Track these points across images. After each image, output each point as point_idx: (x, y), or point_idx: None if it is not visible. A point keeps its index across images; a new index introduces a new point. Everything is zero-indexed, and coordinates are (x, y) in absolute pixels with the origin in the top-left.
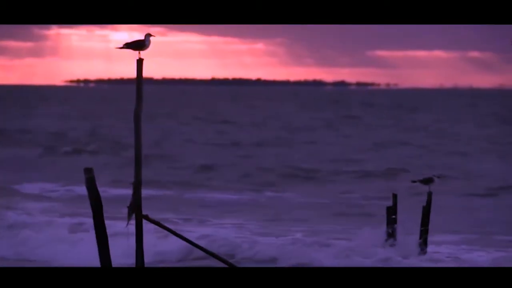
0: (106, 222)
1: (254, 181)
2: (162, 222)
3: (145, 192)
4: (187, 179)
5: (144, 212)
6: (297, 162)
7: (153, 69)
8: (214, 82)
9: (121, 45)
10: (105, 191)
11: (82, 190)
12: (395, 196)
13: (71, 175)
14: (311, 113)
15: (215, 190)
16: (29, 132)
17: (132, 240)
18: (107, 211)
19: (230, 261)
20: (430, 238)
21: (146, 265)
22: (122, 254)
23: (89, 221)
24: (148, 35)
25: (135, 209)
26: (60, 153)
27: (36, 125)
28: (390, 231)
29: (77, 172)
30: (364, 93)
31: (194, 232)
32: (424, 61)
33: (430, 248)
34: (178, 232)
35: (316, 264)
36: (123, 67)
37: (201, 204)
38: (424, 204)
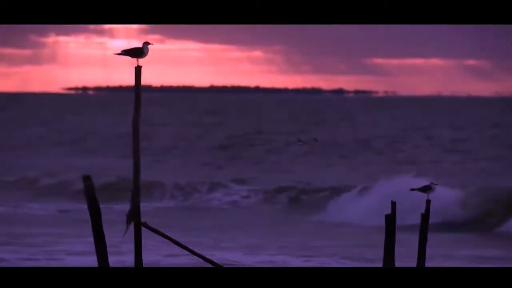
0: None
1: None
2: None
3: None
4: None
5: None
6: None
7: (152, 77)
8: (212, 89)
9: (119, 51)
10: None
11: None
12: (394, 204)
13: None
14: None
15: None
16: None
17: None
18: None
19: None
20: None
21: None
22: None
23: None
24: (146, 43)
25: (134, 216)
26: None
27: None
28: None
29: None
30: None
31: None
32: (421, 69)
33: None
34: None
35: None
36: (122, 75)
37: None
38: (423, 212)
